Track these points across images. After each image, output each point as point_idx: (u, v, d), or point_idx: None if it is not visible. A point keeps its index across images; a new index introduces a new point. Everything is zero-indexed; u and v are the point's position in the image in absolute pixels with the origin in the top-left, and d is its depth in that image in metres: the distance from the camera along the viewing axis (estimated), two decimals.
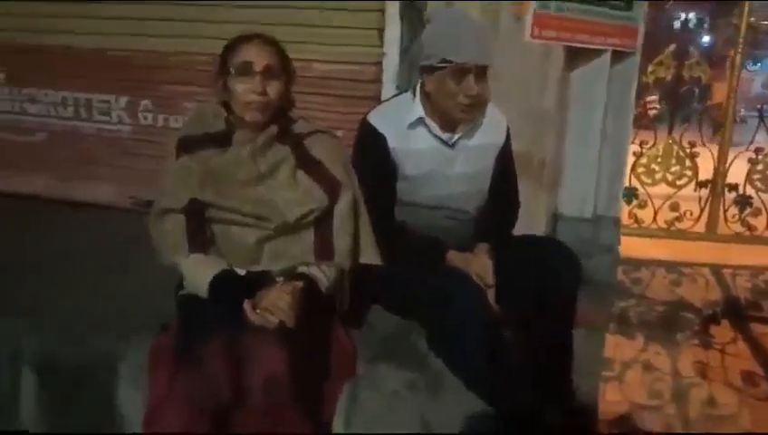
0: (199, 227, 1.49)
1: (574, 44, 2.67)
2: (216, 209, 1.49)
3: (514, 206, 2.03)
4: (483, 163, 1.92)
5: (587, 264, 2.97)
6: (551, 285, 1.74)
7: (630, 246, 3.50)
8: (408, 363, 1.68)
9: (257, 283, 1.44)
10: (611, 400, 2.05)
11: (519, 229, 2.54)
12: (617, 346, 2.44)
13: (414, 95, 1.86)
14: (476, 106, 1.76)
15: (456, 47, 1.67)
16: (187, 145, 1.52)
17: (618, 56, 2.86)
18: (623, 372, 2.23)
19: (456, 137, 1.85)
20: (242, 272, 1.51)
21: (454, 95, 1.71)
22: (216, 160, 1.49)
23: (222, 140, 1.53)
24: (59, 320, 1.84)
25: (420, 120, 1.82)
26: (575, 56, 2.78)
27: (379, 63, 2.61)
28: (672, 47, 3.44)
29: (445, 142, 1.84)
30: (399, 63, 2.55)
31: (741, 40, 3.35)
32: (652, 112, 4.09)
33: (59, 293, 2.02)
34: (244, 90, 1.46)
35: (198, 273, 1.46)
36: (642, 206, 3.56)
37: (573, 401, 1.80)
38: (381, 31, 2.58)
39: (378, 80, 2.60)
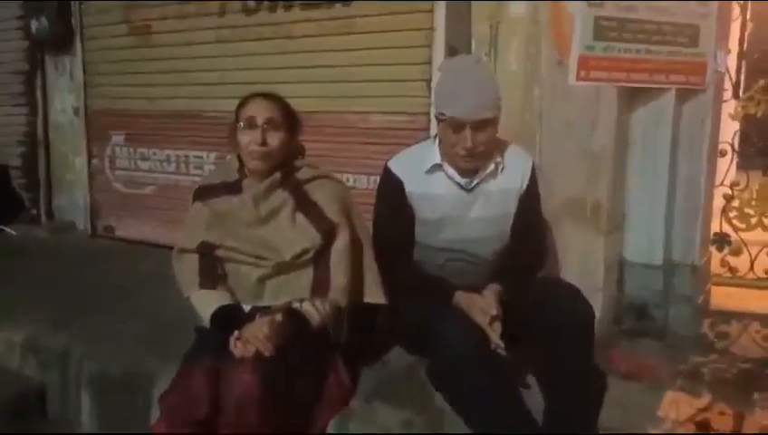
0: (210, 266, 1.68)
1: (629, 85, 2.58)
2: (223, 249, 1.67)
3: (536, 250, 2.00)
4: (502, 208, 1.93)
5: (658, 314, 2.81)
6: (558, 328, 1.69)
7: (725, 297, 3.19)
8: (407, 402, 1.71)
9: (254, 317, 1.58)
10: None
11: (574, 275, 2.49)
12: (675, 403, 2.24)
13: (434, 141, 1.94)
14: (477, 156, 1.81)
15: (452, 101, 1.74)
16: (202, 193, 1.74)
17: (687, 92, 2.71)
18: (673, 431, 2.04)
19: (476, 182, 1.89)
20: (247, 307, 1.65)
21: (453, 145, 1.78)
22: (223, 205, 1.68)
23: (234, 188, 1.73)
24: (116, 345, 2.12)
25: (438, 166, 1.89)
26: (634, 95, 2.68)
27: (428, 113, 2.71)
28: (762, 82, 3.17)
29: (463, 187, 1.89)
30: None
31: None
32: None
33: (124, 322, 2.32)
34: (247, 141, 1.65)
35: (204, 306, 1.63)
36: (736, 253, 3.24)
37: None
38: (428, 82, 2.70)
39: (426, 128, 2.70)
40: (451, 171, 1.88)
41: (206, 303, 1.63)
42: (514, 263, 1.91)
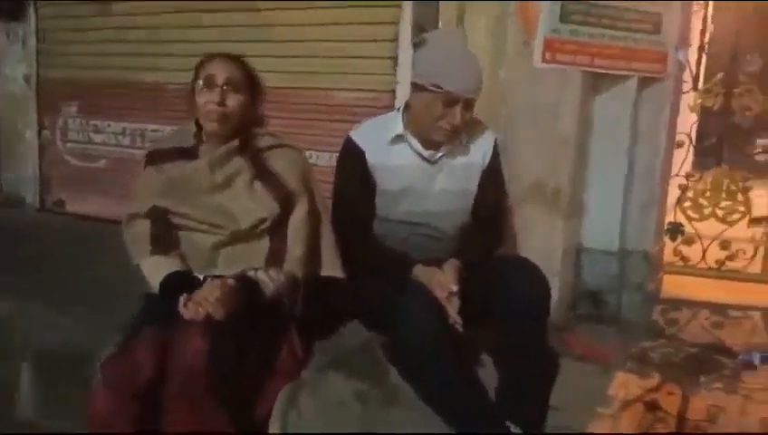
0: (162, 232, 1.62)
1: (593, 70, 2.60)
2: (176, 216, 1.61)
3: (498, 226, 2.00)
4: (465, 182, 1.92)
5: (612, 300, 2.85)
6: (515, 305, 1.69)
7: (676, 286, 3.27)
8: (361, 374, 1.69)
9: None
10: None
11: (533, 258, 2.49)
12: (625, 383, 2.28)
13: (399, 112, 1.91)
14: (456, 133, 1.79)
15: (452, 76, 1.71)
16: (155, 157, 1.67)
17: (648, 81, 2.75)
18: (622, 410, 2.08)
19: (439, 154, 1.87)
20: (199, 276, 1.60)
21: (438, 119, 1.76)
22: (176, 171, 1.62)
23: (190, 153, 1.67)
24: (61, 317, 2.03)
25: (400, 137, 1.87)
26: (597, 81, 2.70)
27: (393, 91, 2.69)
28: (720, 74, 3.25)
29: (426, 159, 1.87)
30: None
31: None
32: (761, 158, 3.82)
33: (70, 296, 2.23)
34: (205, 100, 1.59)
35: (155, 272, 1.57)
36: (689, 243, 3.31)
37: (540, 429, 1.70)
38: (395, 59, 2.67)
39: (391, 106, 2.67)
40: (414, 143, 1.86)
41: (157, 269, 1.57)
42: (475, 239, 1.90)
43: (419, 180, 1.87)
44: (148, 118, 3.41)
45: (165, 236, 1.62)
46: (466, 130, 1.88)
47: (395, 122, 1.88)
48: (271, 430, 1.52)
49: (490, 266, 1.82)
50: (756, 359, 2.47)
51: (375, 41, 2.68)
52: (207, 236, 1.61)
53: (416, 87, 1.80)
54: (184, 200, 1.61)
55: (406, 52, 2.63)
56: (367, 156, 1.86)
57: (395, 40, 2.65)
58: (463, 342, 1.72)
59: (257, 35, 2.90)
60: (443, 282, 1.69)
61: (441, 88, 1.71)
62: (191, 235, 1.63)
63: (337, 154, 1.99)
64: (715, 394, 2.25)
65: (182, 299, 1.42)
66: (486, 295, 1.74)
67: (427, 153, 1.86)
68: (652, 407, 2.12)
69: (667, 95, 2.80)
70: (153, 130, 3.39)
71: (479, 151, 1.92)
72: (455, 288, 1.68)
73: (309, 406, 1.57)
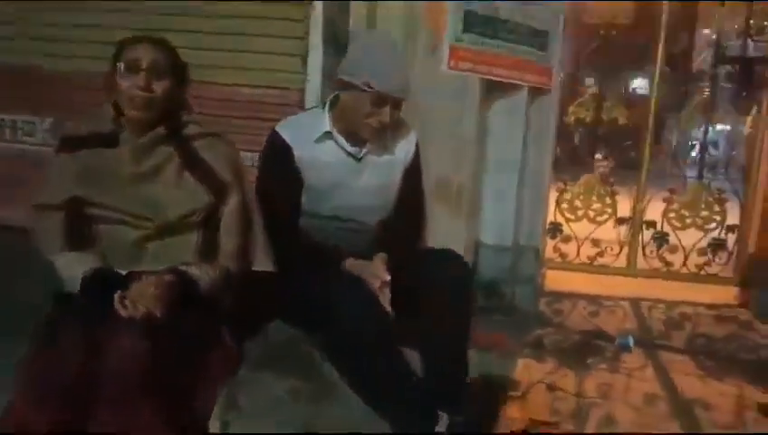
0: (77, 225, 1.48)
1: (492, 78, 2.79)
2: (95, 207, 1.49)
3: (419, 221, 2.07)
4: (389, 177, 1.96)
5: (507, 292, 3.07)
6: (441, 290, 1.77)
7: (556, 280, 3.59)
8: (293, 372, 1.68)
9: (132, 281, 1.43)
10: (512, 416, 2.06)
11: None
12: (526, 368, 2.47)
13: (324, 109, 1.91)
14: (384, 131, 1.83)
15: (384, 76, 1.73)
16: (69, 143, 1.53)
17: (537, 92, 3.00)
18: (527, 392, 2.25)
19: (365, 151, 1.90)
20: (122, 272, 1.49)
21: (367, 117, 1.77)
22: (96, 158, 1.50)
23: (109, 140, 1.54)
24: None
25: (328, 135, 1.87)
26: (494, 89, 2.90)
27: (303, 89, 2.67)
28: (593, 89, 3.63)
29: (353, 156, 1.89)
30: (321, 89, 2.63)
31: (656, 83, 3.55)
32: (600, 171, 4.18)
33: None
34: (129, 85, 1.49)
35: (73, 269, 1.44)
36: (566, 241, 3.66)
37: (460, 414, 1.79)
38: (304, 57, 2.66)
39: (301, 105, 2.66)
40: (341, 140, 1.87)
41: (76, 266, 1.43)
42: (399, 233, 1.96)
43: (347, 177, 1.89)
44: (20, 108, 3.07)
45: (80, 229, 1.49)
46: (391, 129, 1.94)
47: (321, 119, 1.89)
48: (211, 431, 1.45)
49: (415, 258, 1.88)
50: (631, 342, 2.78)
51: (284, 37, 2.65)
52: (131, 229, 1.50)
53: (344, 85, 1.81)
54: (104, 190, 1.48)
55: (316, 49, 2.64)
56: (294, 151, 1.84)
57: (305, 37, 2.64)
58: (393, 333, 1.76)
59: (162, 24, 2.72)
60: (375, 272, 1.73)
61: (372, 87, 1.74)
62: (112, 228, 1.50)
63: (246, 152, 1.94)
64: (602, 374, 2.50)
65: (117, 297, 1.32)
66: (412, 286, 1.79)
67: (352, 150, 1.88)
68: (552, 388, 2.31)
69: (552, 105, 3.07)
70: (26, 122, 3.06)
71: (402, 150, 1.98)
72: (387, 277, 1.73)
73: (247, 404, 1.53)
